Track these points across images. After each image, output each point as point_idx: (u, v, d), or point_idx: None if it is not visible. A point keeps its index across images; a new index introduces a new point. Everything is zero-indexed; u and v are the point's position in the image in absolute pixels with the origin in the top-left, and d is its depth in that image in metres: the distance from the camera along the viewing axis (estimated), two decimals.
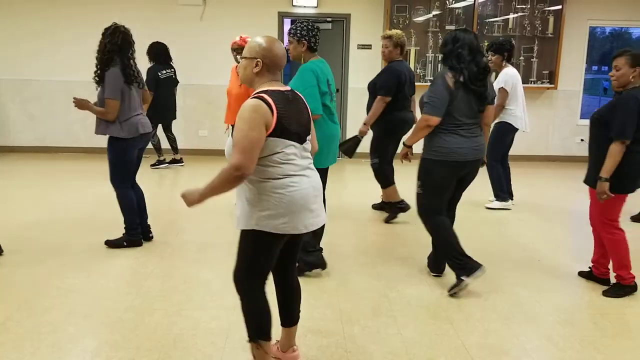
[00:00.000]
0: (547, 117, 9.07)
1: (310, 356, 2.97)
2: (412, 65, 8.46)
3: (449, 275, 4.15)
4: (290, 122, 2.45)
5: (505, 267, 4.34)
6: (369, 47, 8.65)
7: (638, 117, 3.60)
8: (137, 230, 4.57)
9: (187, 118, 8.24)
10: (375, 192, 6.04)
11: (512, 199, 6.22)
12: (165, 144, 7.98)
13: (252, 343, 2.59)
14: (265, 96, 2.40)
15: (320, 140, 3.73)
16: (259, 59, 2.48)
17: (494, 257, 4.57)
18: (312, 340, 3.14)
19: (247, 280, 2.57)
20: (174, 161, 7.98)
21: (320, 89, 3.77)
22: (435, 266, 4.15)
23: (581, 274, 4.15)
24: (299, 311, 2.85)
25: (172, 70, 7.64)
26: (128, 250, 4.49)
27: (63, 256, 4.34)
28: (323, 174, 3.97)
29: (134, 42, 4.36)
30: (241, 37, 6.03)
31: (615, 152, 3.62)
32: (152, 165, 7.86)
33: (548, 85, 8.80)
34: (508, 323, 3.42)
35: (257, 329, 2.58)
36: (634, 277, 3.89)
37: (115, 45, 4.22)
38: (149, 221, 4.74)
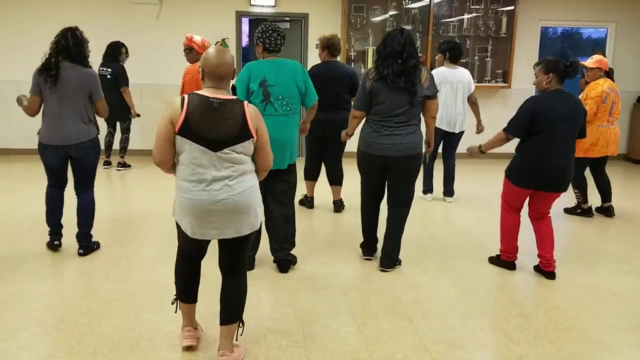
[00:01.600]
0: (501, 116, 9.13)
1: (270, 356, 2.97)
2: (369, 65, 8.52)
3: (408, 274, 4.21)
4: (200, 126, 2.57)
5: (462, 264, 4.42)
6: None
7: (535, 118, 3.92)
8: (51, 232, 4.39)
9: (143, 118, 8.08)
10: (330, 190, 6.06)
11: (447, 196, 6.42)
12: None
13: (175, 300, 3.02)
14: (186, 96, 2.62)
15: None
16: (201, 67, 2.69)
17: (452, 253, 4.65)
18: (271, 340, 3.14)
19: (177, 255, 2.97)
20: (120, 165, 7.79)
21: (249, 86, 3.87)
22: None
23: (536, 268, 4.26)
24: (233, 315, 2.86)
25: (108, 70, 7.41)
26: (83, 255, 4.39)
27: (16, 259, 4.22)
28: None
29: (73, 42, 4.13)
30: (187, 37, 5.97)
31: (497, 137, 4.18)
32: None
33: (502, 84, 8.98)
34: (465, 318, 3.48)
35: (176, 288, 2.99)
36: (510, 258, 4.30)
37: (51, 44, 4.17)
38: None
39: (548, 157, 3.93)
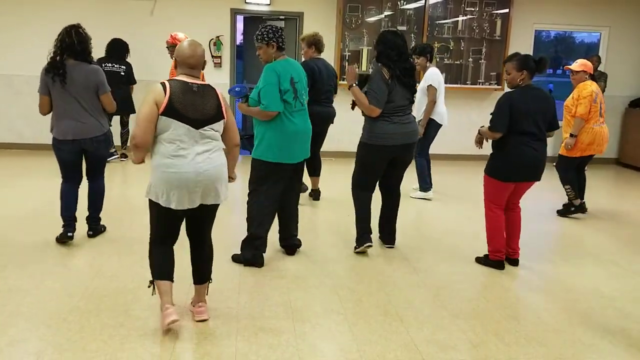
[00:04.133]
0: None
1: (261, 354, 2.96)
2: (364, 65, 8.55)
3: (399, 274, 4.21)
4: (185, 107, 2.91)
5: (453, 264, 4.42)
6: None
7: (512, 113, 4.06)
8: (65, 224, 4.42)
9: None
10: (330, 187, 6.06)
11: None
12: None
13: (151, 283, 3.18)
14: (167, 81, 2.95)
15: (276, 136, 4.05)
16: (175, 57, 3.06)
17: (443, 253, 4.66)
18: (263, 338, 3.13)
19: (152, 240, 3.18)
20: (123, 156, 7.88)
21: (281, 86, 3.97)
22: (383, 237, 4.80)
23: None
24: (206, 274, 3.30)
25: (122, 67, 7.54)
26: (74, 250, 4.37)
27: (4, 255, 4.18)
28: (282, 169, 4.12)
29: (77, 40, 4.19)
30: (171, 35, 5.98)
31: (488, 132, 4.22)
32: None
33: (495, 86, 9.00)
34: (456, 319, 3.48)
35: (152, 270, 3.16)
36: (499, 257, 4.32)
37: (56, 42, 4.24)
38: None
39: (526, 149, 4.09)
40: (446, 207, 6.24)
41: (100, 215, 4.73)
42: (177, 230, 3.21)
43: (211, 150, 3.02)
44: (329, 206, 5.99)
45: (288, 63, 4.12)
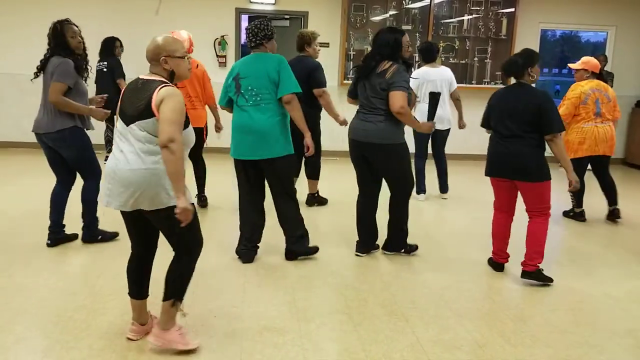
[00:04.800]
0: None
1: (266, 354, 2.96)
2: None
3: (404, 274, 4.20)
4: (125, 104, 2.81)
5: (459, 264, 4.42)
6: (326, 45, 8.65)
7: (488, 110, 4.24)
8: (49, 228, 4.37)
9: None
10: (334, 187, 6.05)
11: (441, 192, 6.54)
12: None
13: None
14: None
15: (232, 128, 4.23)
16: None
17: (449, 253, 4.66)
18: (268, 338, 3.13)
19: None
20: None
21: (227, 82, 4.21)
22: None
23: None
24: (165, 292, 2.92)
25: (104, 63, 7.45)
26: (79, 249, 4.38)
27: (9, 254, 4.20)
28: (236, 163, 4.25)
29: (52, 35, 4.24)
30: (171, 33, 5.98)
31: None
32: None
33: (501, 85, 8.94)
34: (462, 319, 3.47)
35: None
36: (497, 259, 4.30)
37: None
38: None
39: (495, 146, 4.13)
40: (451, 207, 6.23)
41: (100, 218, 4.55)
42: (136, 233, 3.04)
43: (132, 151, 2.73)
44: (332, 205, 5.98)
45: (247, 58, 4.20)
